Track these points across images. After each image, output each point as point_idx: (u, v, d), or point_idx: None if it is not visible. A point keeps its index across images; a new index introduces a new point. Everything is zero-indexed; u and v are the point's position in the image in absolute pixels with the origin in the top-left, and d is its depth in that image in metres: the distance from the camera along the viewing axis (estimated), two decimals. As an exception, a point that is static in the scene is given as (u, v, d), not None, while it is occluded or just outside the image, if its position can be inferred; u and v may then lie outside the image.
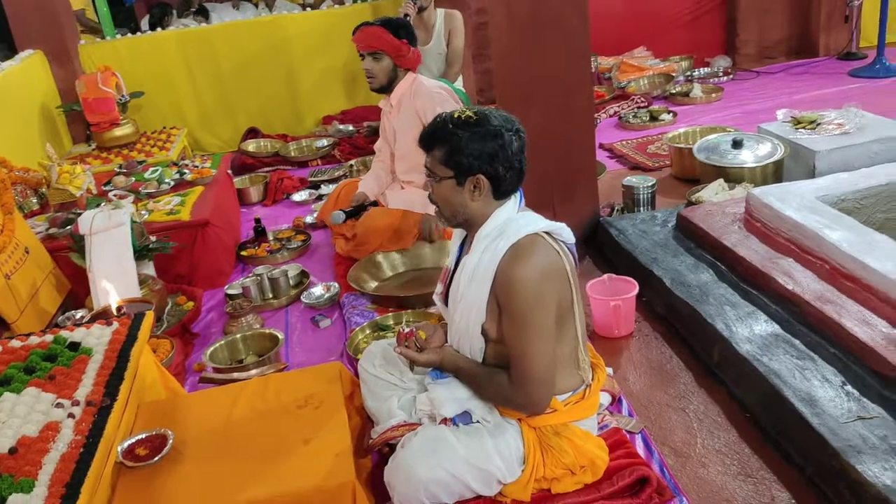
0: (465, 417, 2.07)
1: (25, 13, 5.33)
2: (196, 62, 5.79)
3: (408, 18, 5.09)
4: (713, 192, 3.62)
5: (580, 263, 3.42)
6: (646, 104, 5.69)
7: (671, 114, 5.35)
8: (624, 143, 4.97)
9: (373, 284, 3.33)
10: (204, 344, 3.10)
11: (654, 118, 5.35)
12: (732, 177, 3.76)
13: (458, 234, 2.18)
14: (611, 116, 5.62)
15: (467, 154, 1.94)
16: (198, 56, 5.78)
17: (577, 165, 3.48)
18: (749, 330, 2.53)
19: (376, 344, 2.40)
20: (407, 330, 2.19)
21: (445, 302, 2.18)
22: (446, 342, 2.18)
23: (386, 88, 3.57)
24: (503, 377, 1.98)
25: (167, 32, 5.91)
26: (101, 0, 6.89)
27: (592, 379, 2.11)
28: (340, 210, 3.48)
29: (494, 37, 3.47)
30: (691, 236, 3.23)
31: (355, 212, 3.50)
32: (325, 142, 5.49)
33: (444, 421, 2.08)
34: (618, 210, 3.72)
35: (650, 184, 3.67)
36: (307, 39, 5.92)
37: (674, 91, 5.85)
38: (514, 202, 2.05)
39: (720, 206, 3.31)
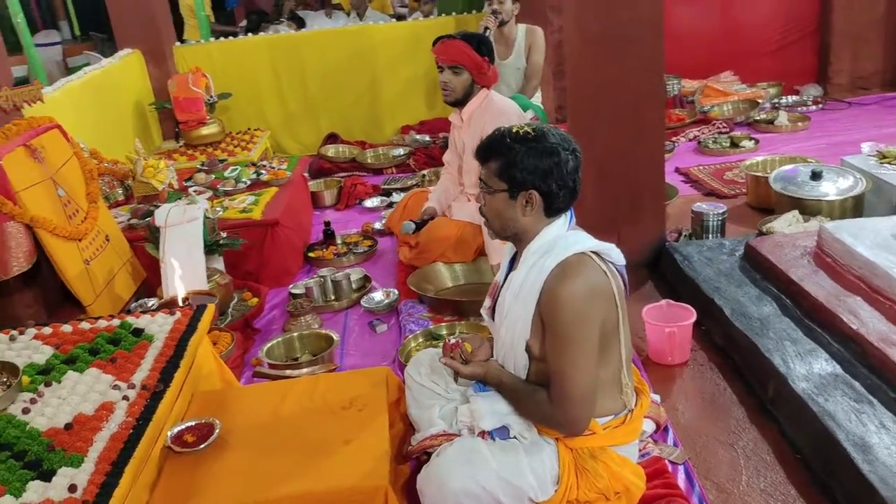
0: (503, 432, 2.08)
1: (126, 15, 5.62)
2: (283, 67, 5.97)
3: (488, 32, 5.15)
4: (786, 223, 3.51)
5: (642, 287, 3.42)
6: (727, 130, 5.57)
7: (753, 141, 5.22)
8: (700, 168, 4.87)
9: (431, 292, 3.36)
10: (264, 339, 3.18)
11: (734, 144, 5.23)
12: (809, 209, 3.64)
13: (508, 250, 2.19)
14: (690, 140, 5.52)
15: (522, 168, 1.96)
16: (285, 61, 5.96)
17: (645, 187, 3.43)
18: (807, 368, 2.45)
19: (425, 352, 2.43)
20: (453, 341, 2.21)
21: (493, 317, 2.19)
22: (492, 356, 2.20)
23: (461, 102, 3.59)
24: (543, 395, 1.98)
25: (258, 38, 6.13)
26: (199, 5, 7.19)
27: (635, 404, 2.09)
28: (411, 220, 3.54)
29: (567, 53, 3.48)
30: (758, 267, 3.14)
31: (424, 224, 3.55)
32: (401, 150, 5.57)
33: (483, 434, 2.09)
34: (685, 236, 3.65)
35: (720, 211, 3.59)
36: (392, 49, 6.03)
37: (758, 118, 5.70)
38: (565, 220, 2.05)
39: (791, 238, 3.21)
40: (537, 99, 5.53)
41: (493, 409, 2.10)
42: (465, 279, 3.47)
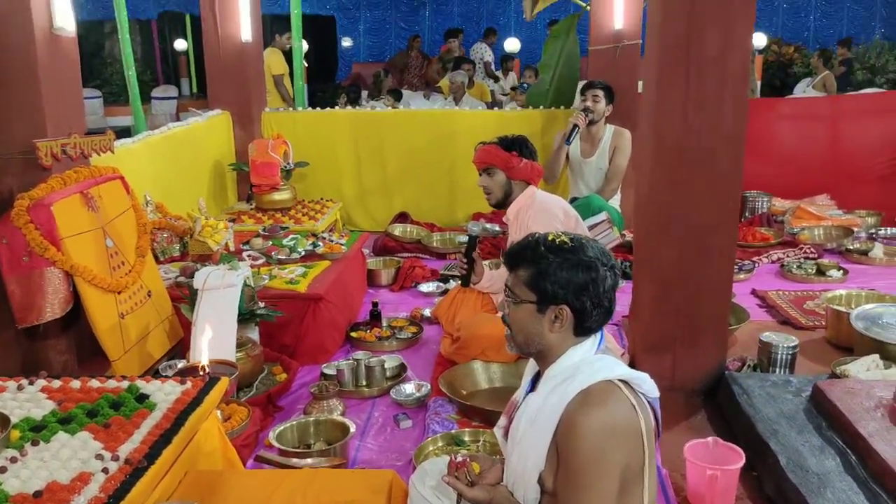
0: (500, 566, 1.86)
1: (222, 77, 5.80)
2: (364, 142, 6.02)
3: (577, 131, 5.07)
4: (863, 367, 3.19)
5: (692, 417, 3.14)
6: (815, 256, 5.24)
7: (842, 271, 4.88)
8: (780, 293, 4.56)
9: (463, 393, 3.17)
10: (285, 418, 3.05)
11: (821, 272, 4.90)
12: (893, 356, 3.30)
13: (530, 367, 2.00)
14: (773, 262, 5.21)
15: (554, 281, 1.80)
16: (366, 137, 6.01)
17: (709, 310, 3.19)
18: (865, 542, 2.13)
19: (433, 462, 2.24)
20: (460, 458, 2.03)
21: (507, 437, 2.00)
22: (502, 481, 1.99)
23: (503, 203, 3.63)
24: (548, 536, 1.77)
25: (343, 111, 6.23)
26: (299, 74, 7.40)
27: (656, 559, 1.84)
28: (481, 223, 3.72)
29: (639, 161, 3.33)
30: (825, 414, 2.83)
31: (474, 247, 3.65)
32: (464, 237, 5.46)
33: (477, 564, 1.88)
34: (749, 366, 3.36)
35: (791, 344, 3.29)
36: (475, 137, 5.91)
37: (851, 247, 5.35)
38: (594, 342, 1.86)
39: (866, 386, 2.89)
40: (615, 201, 5.38)
41: (492, 539, 1.89)
42: (501, 382, 3.27)
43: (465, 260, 3.65)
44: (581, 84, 5.70)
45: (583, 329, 1.84)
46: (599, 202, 5.08)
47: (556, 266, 1.80)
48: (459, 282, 3.84)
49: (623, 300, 3.77)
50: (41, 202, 2.92)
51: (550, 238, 1.86)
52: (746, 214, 5.98)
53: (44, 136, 3.07)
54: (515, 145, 3.58)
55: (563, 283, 1.79)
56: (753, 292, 4.60)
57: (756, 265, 5.05)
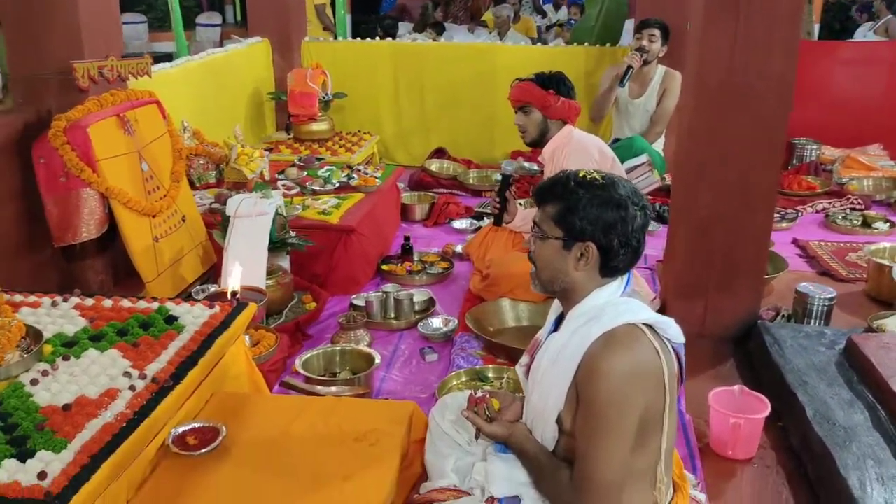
0: (514, 502, 1.88)
1: (262, 5, 5.74)
2: (404, 75, 5.93)
3: (631, 71, 4.91)
4: (902, 322, 3.11)
5: (721, 364, 3.10)
6: (862, 207, 5.08)
7: (888, 224, 4.73)
8: (822, 244, 4.45)
9: (490, 330, 3.17)
10: (313, 347, 3.09)
11: (866, 224, 4.75)
12: (934, 311, 3.22)
13: (555, 307, 1.98)
14: (818, 212, 5.07)
15: (582, 216, 1.76)
16: (407, 70, 5.92)
17: (745, 256, 3.12)
18: (888, 496, 2.10)
19: (453, 396, 2.25)
20: (480, 394, 2.03)
21: (528, 376, 1.99)
22: (521, 419, 2.00)
23: (538, 142, 3.54)
24: (566, 474, 1.77)
25: (384, 43, 6.12)
26: (340, 3, 7.29)
27: (670, 502, 1.84)
28: (518, 161, 3.74)
29: (682, 103, 3.23)
30: (857, 367, 2.77)
31: (508, 186, 3.61)
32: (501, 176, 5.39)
33: (492, 500, 1.90)
34: (783, 316, 3.30)
35: (829, 296, 3.21)
36: (516, 73, 5.83)
37: (901, 199, 5.17)
38: (620, 284, 1.83)
39: (902, 342, 2.82)
40: (659, 145, 5.25)
41: (509, 475, 1.91)
42: (528, 321, 3.26)
43: (497, 198, 3.60)
44: (629, 22, 5.53)
45: (609, 269, 1.80)
46: (642, 144, 4.96)
47: (586, 202, 1.76)
48: (492, 220, 3.80)
49: (659, 245, 3.73)
50: (78, 123, 2.94)
51: (581, 174, 1.82)
52: (794, 162, 5.80)
53: (81, 57, 3.07)
54: (553, 83, 3.47)
55: (591, 220, 1.75)
56: (795, 242, 4.49)
57: (800, 214, 4.92)
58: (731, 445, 2.48)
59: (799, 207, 5.05)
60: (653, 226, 4.64)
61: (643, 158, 4.80)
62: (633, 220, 1.77)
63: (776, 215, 4.78)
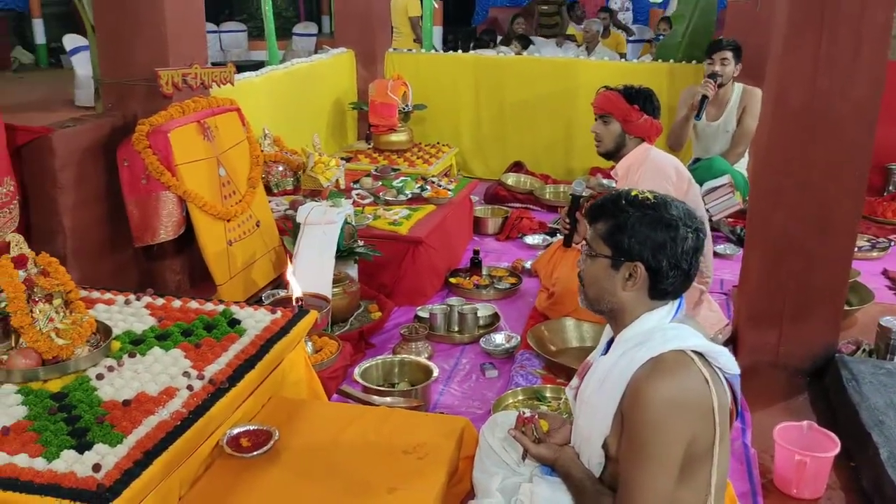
0: (556, 527, 1.84)
1: (348, 15, 5.87)
2: (485, 88, 5.94)
3: (706, 101, 4.75)
4: None
5: (794, 398, 2.98)
6: (962, 238, 4.79)
7: None
8: (914, 275, 4.22)
9: (552, 349, 3.14)
10: (376, 356, 3.11)
11: (965, 256, 4.48)
12: None
13: (608, 329, 1.94)
14: (916, 242, 4.81)
15: (631, 236, 1.72)
16: (488, 82, 5.93)
17: (823, 287, 2.98)
18: (963, 552, 1.97)
19: (505, 414, 2.22)
20: (528, 414, 2.01)
21: (577, 399, 1.96)
22: (570, 442, 1.96)
23: (612, 155, 3.42)
24: (608, 502, 1.73)
25: (466, 55, 6.15)
26: (428, 16, 7.36)
27: (722, 539, 1.77)
28: (593, 179, 3.46)
29: (761, 123, 3.12)
30: (940, 410, 2.62)
31: (578, 206, 3.46)
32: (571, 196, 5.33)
33: (534, 523, 1.87)
34: (864, 351, 3.14)
35: (915, 331, 3.04)
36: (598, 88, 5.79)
37: None
38: (671, 309, 1.78)
39: None
40: (742, 165, 5.08)
41: (552, 498, 1.87)
42: (591, 341, 3.19)
43: (567, 219, 3.52)
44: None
45: (658, 292, 1.76)
46: (723, 165, 4.81)
47: (635, 221, 1.72)
48: (562, 238, 3.75)
49: (737, 269, 3.61)
50: (160, 128, 3.06)
51: (633, 193, 1.78)
52: (890, 188, 5.53)
53: (167, 65, 3.20)
54: (639, 98, 3.37)
55: (640, 239, 1.72)
56: (885, 272, 4.27)
57: (892, 244, 4.67)
58: (795, 483, 2.37)
59: (892, 237, 4.80)
60: (731, 249, 4.50)
61: (724, 180, 4.66)
62: (684, 242, 1.72)
63: (866, 244, 4.57)
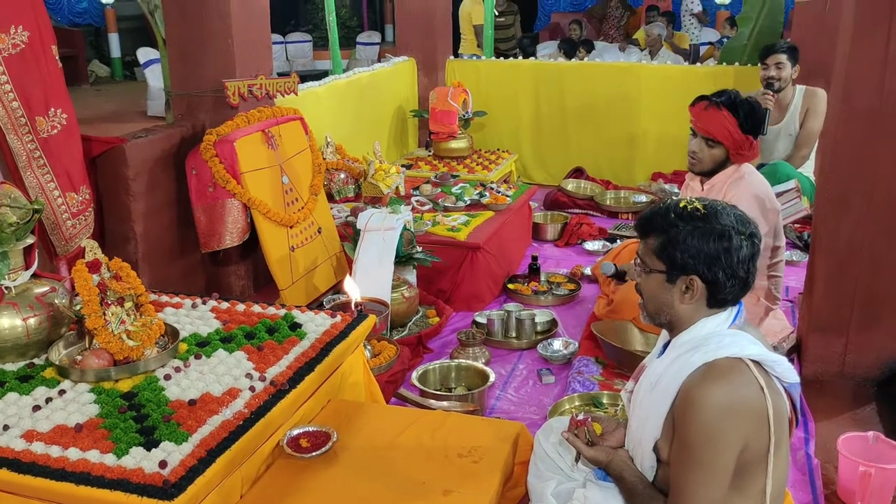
0: (609, 532, 1.84)
1: (410, 24, 5.95)
2: (545, 94, 5.94)
3: (768, 114, 4.61)
4: None
5: (861, 408, 2.90)
6: None
7: None
8: None
9: (615, 345, 3.12)
10: (433, 360, 3.15)
11: None
12: None
13: (664, 333, 1.93)
14: None
15: (684, 250, 1.71)
16: (547, 89, 5.93)
17: (891, 294, 2.89)
18: None
19: (559, 419, 2.23)
20: (582, 417, 2.01)
21: (630, 402, 1.95)
22: (624, 445, 1.96)
23: (707, 174, 3.10)
24: (660, 507, 1.72)
25: (525, 62, 6.18)
26: (489, 23, 7.40)
27: (778, 550, 1.75)
28: (614, 263, 3.22)
29: (827, 127, 3.05)
30: None
31: (623, 274, 3.27)
32: (643, 197, 5.28)
33: (586, 528, 1.87)
34: (937, 360, 3.03)
35: None
36: (660, 92, 5.73)
37: None
38: (728, 315, 1.76)
39: None
40: (808, 168, 4.96)
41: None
42: (652, 347, 3.16)
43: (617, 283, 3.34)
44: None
45: (716, 301, 1.74)
46: (787, 170, 4.70)
47: (686, 234, 1.71)
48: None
49: (803, 276, 3.53)
50: (226, 138, 3.16)
51: (682, 205, 1.76)
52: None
53: (233, 76, 3.31)
54: (751, 126, 2.97)
55: (692, 253, 1.70)
56: (960, 280, 4.11)
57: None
58: (859, 495, 2.31)
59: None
60: (798, 256, 4.40)
61: (791, 184, 4.54)
62: (739, 252, 1.70)
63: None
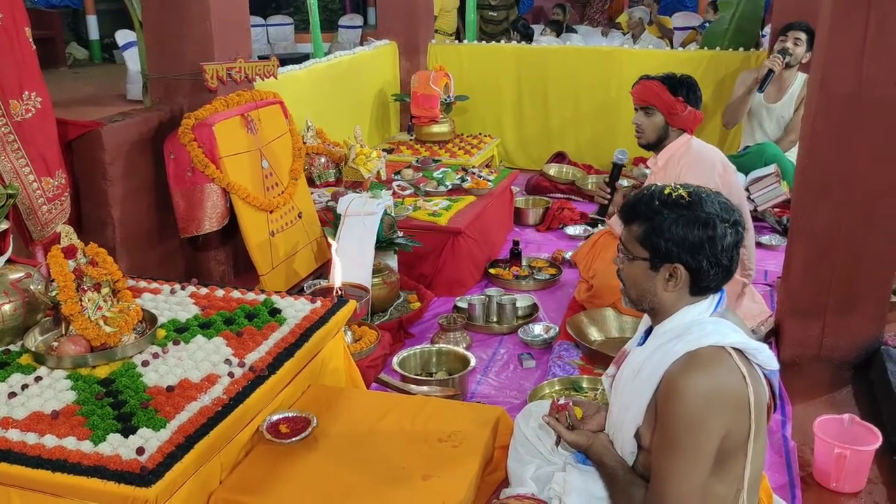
0: (588, 516, 1.86)
1: (391, 6, 5.89)
2: (527, 78, 5.92)
3: (772, 75, 4.68)
4: None
5: (838, 391, 2.94)
6: None
7: None
8: (968, 267, 4.09)
9: (591, 339, 3.13)
10: (414, 345, 3.15)
11: None
12: None
13: (646, 319, 1.94)
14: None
15: (668, 238, 1.71)
16: (530, 73, 5.91)
17: (867, 279, 2.93)
18: None
19: (539, 404, 2.24)
20: (562, 401, 2.02)
21: (612, 387, 1.96)
22: (604, 430, 1.97)
23: (654, 146, 3.32)
24: (640, 492, 1.74)
25: (507, 46, 6.14)
26: (471, 6, 7.37)
27: (755, 532, 1.77)
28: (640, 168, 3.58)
29: (806, 113, 3.07)
30: None
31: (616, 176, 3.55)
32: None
33: (567, 512, 1.88)
34: (912, 344, 3.07)
35: (965, 325, 2.97)
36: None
37: None
38: (710, 303, 1.77)
39: None
40: (793, 154, 4.98)
41: (585, 488, 1.89)
42: (631, 332, 3.17)
43: (609, 189, 3.51)
44: (764, 24, 5.27)
45: (699, 289, 1.75)
46: (774, 151, 4.73)
47: (671, 223, 1.71)
48: (598, 210, 3.72)
49: (781, 260, 3.55)
50: (205, 122, 3.13)
51: (667, 192, 1.76)
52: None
53: (211, 59, 3.27)
54: (683, 89, 3.21)
55: (676, 241, 1.70)
56: (936, 264, 4.16)
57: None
58: (835, 477, 2.34)
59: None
60: (776, 240, 4.43)
61: (771, 169, 4.58)
62: (723, 240, 1.71)
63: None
